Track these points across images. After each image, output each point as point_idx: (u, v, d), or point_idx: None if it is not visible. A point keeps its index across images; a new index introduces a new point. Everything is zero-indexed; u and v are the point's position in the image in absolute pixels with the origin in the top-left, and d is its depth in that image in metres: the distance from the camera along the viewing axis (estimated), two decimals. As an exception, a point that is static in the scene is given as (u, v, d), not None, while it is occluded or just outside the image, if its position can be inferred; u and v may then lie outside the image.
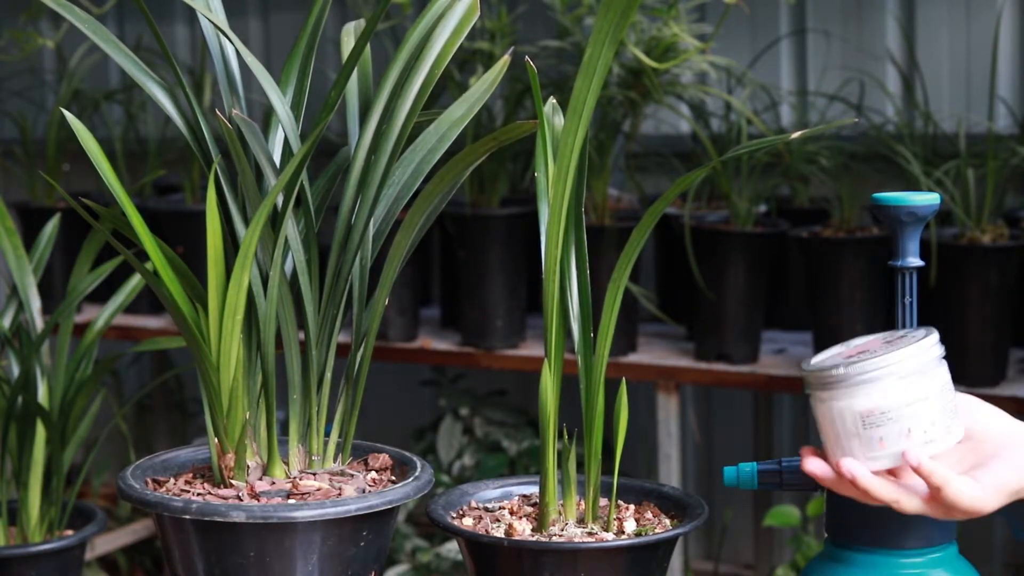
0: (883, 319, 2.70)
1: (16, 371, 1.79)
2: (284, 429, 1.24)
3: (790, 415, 3.35)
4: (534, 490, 1.30)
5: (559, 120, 1.27)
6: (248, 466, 1.21)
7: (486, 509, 1.28)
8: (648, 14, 2.68)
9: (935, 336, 1.14)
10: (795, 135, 1.17)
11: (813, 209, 2.99)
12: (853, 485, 1.10)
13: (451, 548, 3.22)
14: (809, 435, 3.31)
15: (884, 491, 1.10)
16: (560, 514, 1.23)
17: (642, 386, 3.14)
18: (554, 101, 1.28)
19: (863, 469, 1.10)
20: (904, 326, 1.24)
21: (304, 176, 1.18)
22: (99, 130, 3.48)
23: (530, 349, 2.97)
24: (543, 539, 1.20)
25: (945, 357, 1.16)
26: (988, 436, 1.14)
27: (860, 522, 1.20)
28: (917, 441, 1.10)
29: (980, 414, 1.15)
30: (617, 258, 1.19)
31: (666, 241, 3.09)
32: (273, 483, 1.20)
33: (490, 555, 1.19)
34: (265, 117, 1.27)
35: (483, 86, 1.22)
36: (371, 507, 1.15)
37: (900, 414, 1.10)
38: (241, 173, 1.17)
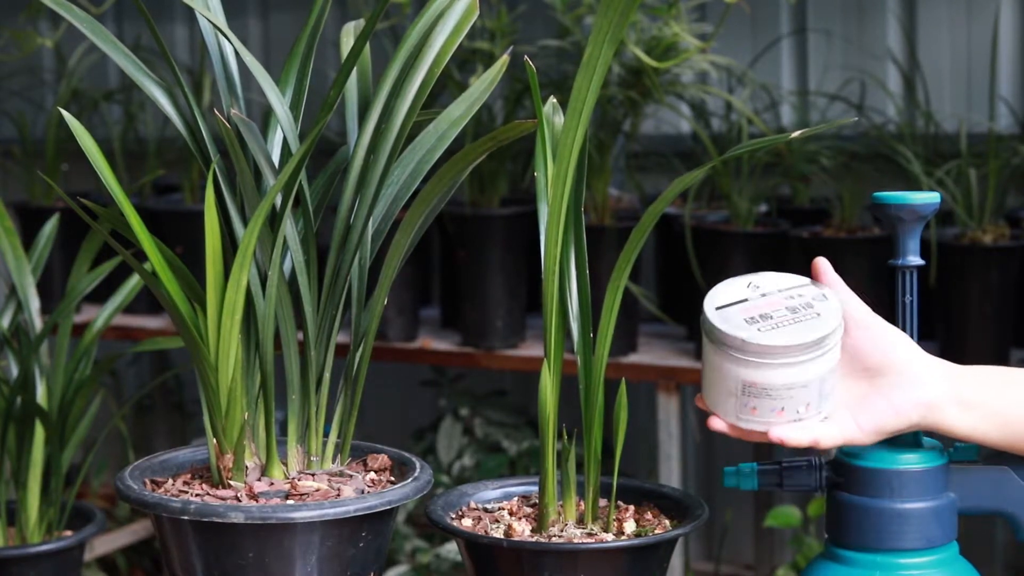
0: (883, 319, 2.70)
1: (15, 371, 1.79)
2: (283, 429, 1.23)
3: (790, 415, 3.35)
4: (534, 491, 1.29)
5: (559, 119, 1.26)
6: (247, 467, 1.21)
7: (485, 510, 1.27)
8: (648, 13, 2.68)
9: (838, 319, 1.16)
10: (795, 134, 1.17)
11: (814, 209, 2.99)
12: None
13: (451, 549, 3.21)
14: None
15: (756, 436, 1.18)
16: (560, 515, 1.23)
17: (642, 386, 3.14)
18: (554, 100, 1.28)
19: (730, 429, 1.17)
20: (905, 326, 1.24)
21: (303, 176, 1.17)
22: (98, 130, 3.48)
23: (530, 349, 2.97)
24: (542, 540, 1.20)
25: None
26: (880, 363, 1.17)
27: (861, 523, 1.20)
28: (786, 418, 1.15)
29: (887, 342, 1.18)
30: (617, 258, 1.18)
31: (666, 241, 3.09)
32: (272, 484, 1.19)
33: (489, 556, 1.19)
34: (264, 117, 1.26)
35: (482, 85, 1.22)
36: (370, 508, 1.15)
37: (778, 394, 1.14)
38: (240, 173, 1.17)
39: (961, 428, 1.17)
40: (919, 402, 1.16)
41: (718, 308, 1.16)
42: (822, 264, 1.21)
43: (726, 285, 1.19)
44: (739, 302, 1.17)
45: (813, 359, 1.14)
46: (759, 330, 1.13)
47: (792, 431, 1.16)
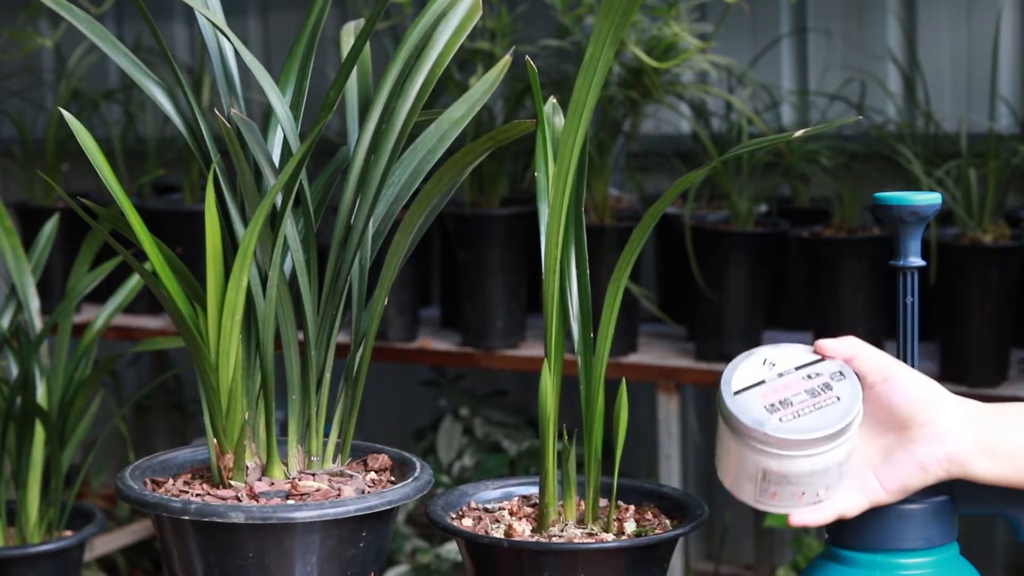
0: (884, 319, 2.70)
1: (15, 371, 1.79)
2: (283, 429, 1.23)
3: (790, 415, 3.35)
4: (534, 491, 1.29)
5: (559, 120, 1.26)
6: (247, 467, 1.20)
7: (486, 510, 1.27)
8: (648, 14, 2.68)
9: (858, 401, 1.13)
10: (796, 134, 1.17)
11: (814, 209, 2.99)
12: None
13: (451, 549, 3.21)
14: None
15: None
16: (560, 515, 1.23)
17: (642, 386, 3.14)
18: (554, 101, 1.28)
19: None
20: (905, 327, 1.24)
21: (303, 176, 1.17)
22: (98, 130, 3.48)
23: (530, 349, 2.97)
24: (543, 540, 1.20)
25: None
26: (903, 415, 1.15)
27: (861, 523, 1.20)
28: (806, 501, 1.14)
29: (909, 392, 1.15)
30: (617, 258, 1.18)
31: (666, 241, 3.08)
32: (272, 484, 1.19)
33: (490, 556, 1.19)
34: (264, 117, 1.26)
35: (484, 86, 1.22)
36: (370, 508, 1.15)
37: (799, 481, 1.12)
38: (240, 173, 1.17)
39: (988, 476, 1.14)
40: (945, 456, 1.13)
41: (736, 393, 1.13)
42: (826, 346, 1.16)
43: (741, 363, 1.15)
44: (756, 385, 1.14)
45: (835, 447, 1.12)
46: (780, 420, 1.11)
47: (815, 514, 1.14)
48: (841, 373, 1.15)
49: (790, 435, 1.11)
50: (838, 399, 1.13)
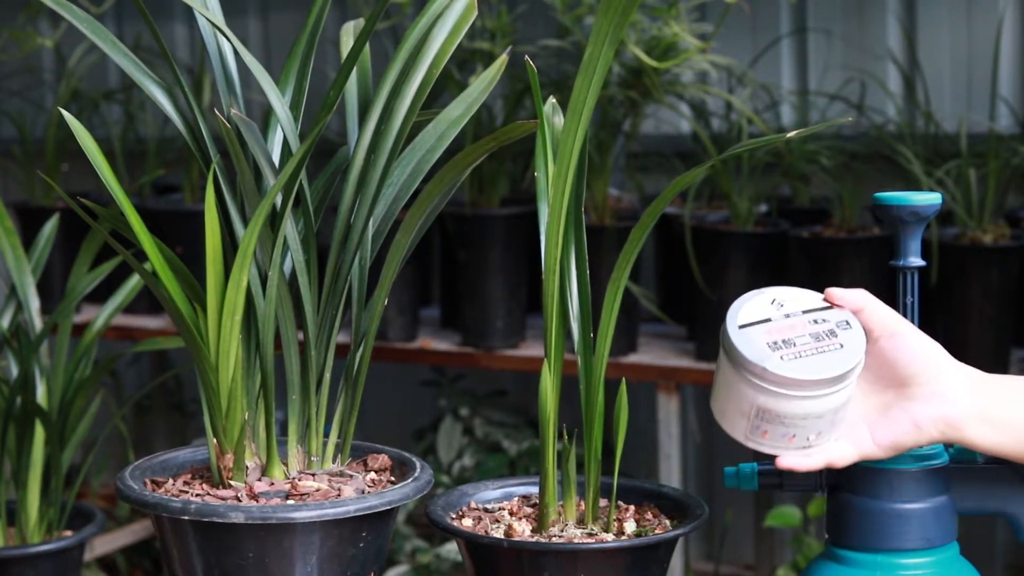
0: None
1: (15, 371, 1.79)
2: (283, 430, 1.23)
3: (790, 415, 3.35)
4: (534, 491, 1.29)
5: (559, 120, 1.26)
6: (247, 467, 1.20)
7: (486, 510, 1.27)
8: (648, 13, 2.68)
9: (861, 352, 1.13)
10: (794, 133, 1.17)
11: (814, 209, 2.99)
12: None
13: (451, 549, 3.21)
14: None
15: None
16: (560, 515, 1.23)
17: (642, 386, 3.14)
18: (554, 100, 1.28)
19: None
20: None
21: (303, 176, 1.17)
22: (98, 130, 3.48)
23: (530, 349, 2.97)
24: (543, 540, 1.20)
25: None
26: (905, 373, 1.14)
27: (861, 523, 1.20)
28: (796, 444, 1.13)
29: (914, 351, 1.14)
30: (617, 258, 1.18)
31: (666, 241, 3.08)
32: (272, 484, 1.19)
33: (490, 556, 1.19)
34: (264, 117, 1.26)
35: (481, 85, 1.22)
36: (370, 508, 1.15)
37: (792, 423, 1.12)
38: (240, 173, 1.17)
39: (983, 443, 1.14)
40: (941, 418, 1.13)
41: (741, 327, 1.13)
42: (836, 294, 1.16)
43: (750, 300, 1.15)
44: (762, 322, 1.14)
45: (832, 393, 1.12)
46: (781, 359, 1.11)
47: (802, 459, 1.14)
48: (847, 323, 1.15)
49: (789, 373, 1.11)
50: (841, 346, 1.13)
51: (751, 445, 1.15)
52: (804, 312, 1.15)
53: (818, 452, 1.14)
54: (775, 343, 1.13)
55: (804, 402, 1.11)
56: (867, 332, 1.15)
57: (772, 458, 1.17)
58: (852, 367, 1.12)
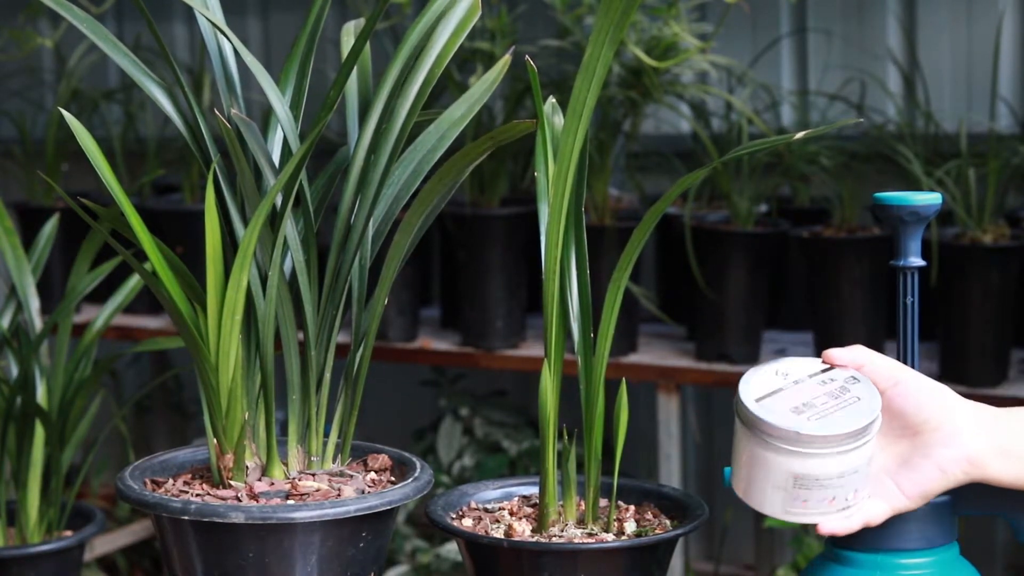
0: (884, 319, 2.70)
1: (15, 371, 1.79)
2: (283, 430, 1.23)
3: (790, 415, 3.35)
4: (534, 491, 1.29)
5: (559, 120, 1.26)
6: (247, 467, 1.20)
7: (486, 510, 1.27)
8: (648, 13, 2.68)
9: (877, 402, 1.13)
10: (798, 135, 1.17)
11: (814, 209, 2.99)
12: None
13: (451, 549, 3.21)
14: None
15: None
16: (560, 515, 1.23)
17: (642, 386, 3.14)
18: (554, 100, 1.28)
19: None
20: (906, 327, 1.24)
21: (303, 176, 1.17)
22: (98, 130, 3.48)
23: (530, 349, 2.97)
24: (543, 540, 1.20)
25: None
26: (918, 420, 1.14)
27: (861, 523, 1.20)
28: (836, 507, 1.13)
29: (921, 396, 1.14)
30: (617, 258, 1.18)
31: (666, 241, 3.08)
32: (272, 484, 1.19)
33: (490, 556, 1.19)
34: (264, 117, 1.26)
35: (483, 86, 1.22)
36: (370, 508, 1.15)
37: (830, 483, 1.12)
38: (240, 173, 1.17)
39: (1006, 478, 1.14)
40: (964, 458, 1.13)
41: (758, 400, 1.13)
42: (835, 355, 1.16)
43: (755, 375, 1.15)
44: (775, 392, 1.14)
45: (864, 444, 1.11)
46: (809, 419, 1.11)
47: (843, 521, 1.14)
48: (854, 377, 1.15)
49: (823, 431, 1.10)
50: (858, 399, 1.13)
51: (791, 518, 1.14)
52: (810, 376, 1.15)
53: (856, 512, 1.14)
54: (797, 407, 1.12)
55: (840, 458, 1.11)
56: (877, 384, 1.15)
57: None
58: (875, 416, 1.12)
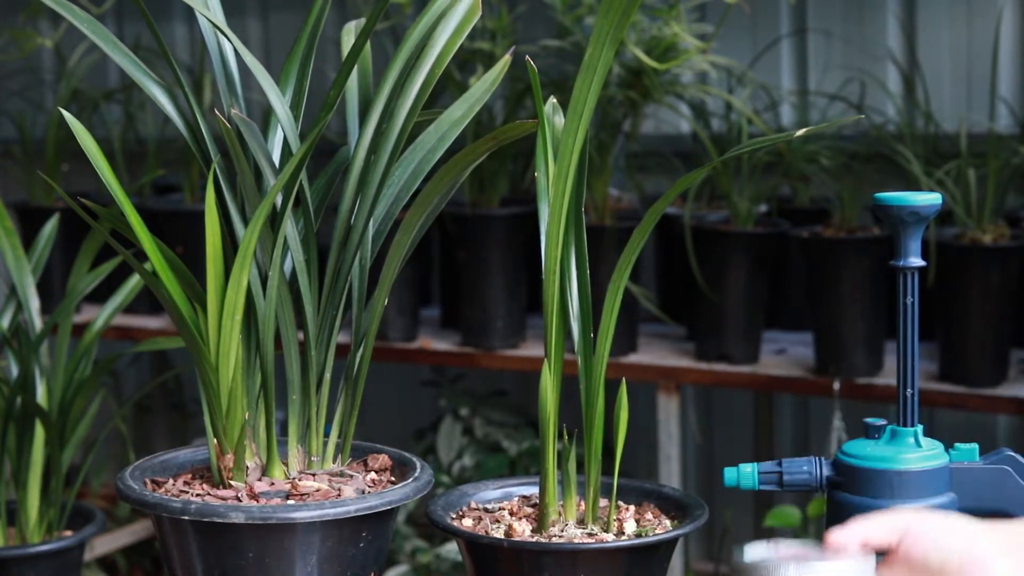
0: (884, 319, 2.70)
1: (15, 371, 1.79)
2: (283, 430, 1.23)
3: (791, 415, 3.35)
4: (534, 491, 1.29)
5: (559, 120, 1.26)
6: (247, 467, 1.20)
7: (486, 510, 1.27)
8: (648, 14, 2.68)
9: (871, 559, 1.11)
10: (797, 134, 1.17)
11: (814, 209, 2.99)
12: None
13: (451, 549, 3.21)
14: (810, 436, 3.31)
15: None
16: (560, 515, 1.23)
17: (642, 386, 3.14)
18: (554, 101, 1.28)
19: None
20: (906, 327, 1.24)
21: (303, 176, 1.17)
22: (98, 130, 3.48)
23: (530, 349, 2.97)
24: (543, 540, 1.20)
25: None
26: (944, 563, 1.09)
27: (861, 523, 1.20)
28: None
29: (934, 536, 1.10)
30: (617, 258, 1.18)
31: (666, 241, 3.08)
32: (272, 484, 1.19)
33: (490, 556, 1.19)
34: (264, 117, 1.26)
35: (484, 86, 1.22)
36: (370, 508, 1.15)
37: None
38: (240, 173, 1.17)
39: None
40: None
41: (758, 559, 1.09)
42: (835, 540, 1.11)
43: (753, 548, 1.12)
44: (770, 557, 1.10)
45: None
46: (807, 563, 1.08)
47: None
48: (866, 570, 1.11)
49: (815, 563, 1.07)
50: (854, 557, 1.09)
51: None
52: (802, 547, 1.11)
53: None
54: (790, 559, 1.09)
55: None
56: (885, 548, 1.11)
57: (772, 457, 1.15)
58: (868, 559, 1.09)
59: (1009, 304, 2.63)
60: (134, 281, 1.86)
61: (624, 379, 1.23)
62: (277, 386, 1.20)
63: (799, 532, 3.00)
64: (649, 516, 1.25)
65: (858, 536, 1.11)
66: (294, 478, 1.21)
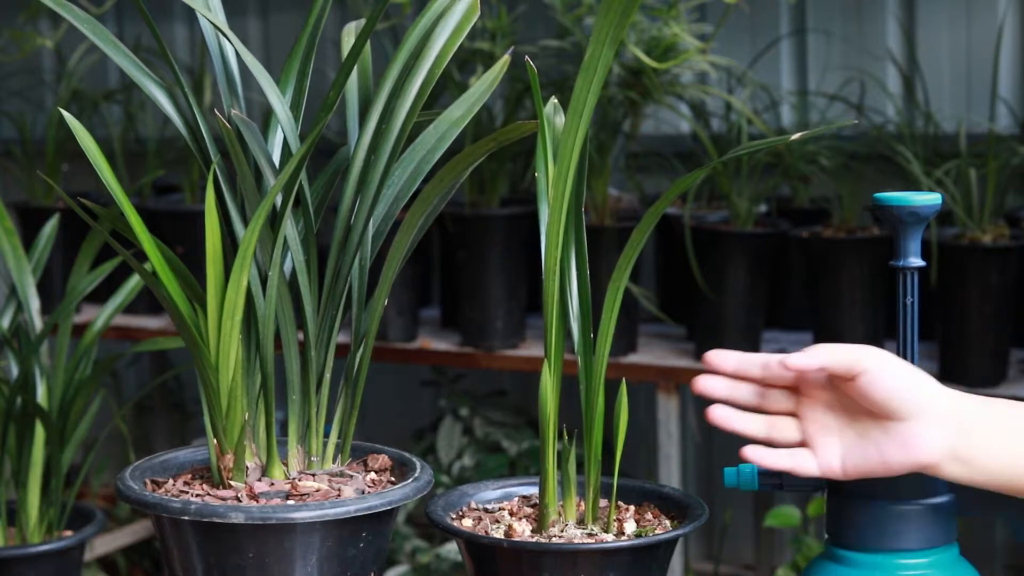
0: (883, 319, 2.70)
1: (15, 371, 1.79)
2: (283, 430, 1.23)
3: (790, 415, 3.35)
4: (534, 491, 1.29)
5: (559, 120, 1.26)
6: (247, 467, 1.21)
7: (486, 510, 1.27)
8: (648, 14, 2.68)
9: None
10: (797, 136, 1.17)
11: (813, 209, 2.99)
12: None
13: (451, 549, 3.21)
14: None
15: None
16: (560, 515, 1.23)
17: (642, 387, 3.14)
18: (555, 101, 1.28)
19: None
20: (905, 327, 1.24)
21: (303, 176, 1.17)
22: (98, 130, 3.48)
23: (530, 349, 2.97)
24: (543, 540, 1.20)
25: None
26: (890, 415, 1.12)
27: (861, 523, 1.20)
28: None
29: (887, 386, 1.12)
30: (617, 258, 1.18)
31: (666, 241, 3.09)
32: (272, 484, 1.20)
33: (489, 556, 1.19)
34: (264, 117, 1.26)
35: (483, 86, 1.22)
36: (370, 508, 1.15)
37: None
38: (240, 173, 1.17)
39: (960, 479, 1.14)
40: (914, 464, 1.13)
41: None
42: (792, 361, 1.13)
43: None
44: None
45: None
46: None
47: (770, 456, 1.14)
48: None
49: None
50: None
51: None
52: None
53: (787, 456, 1.14)
54: None
55: None
56: (837, 378, 1.13)
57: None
58: None
59: (1009, 304, 2.63)
60: (134, 281, 1.86)
61: (624, 379, 1.23)
62: (277, 386, 1.20)
63: (799, 532, 3.01)
64: (649, 516, 1.25)
65: (815, 361, 1.12)
66: (294, 478, 1.21)
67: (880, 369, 1.12)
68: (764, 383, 1.16)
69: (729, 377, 1.17)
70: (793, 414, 1.16)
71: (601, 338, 1.21)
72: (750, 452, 1.14)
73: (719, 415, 1.16)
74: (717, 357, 1.16)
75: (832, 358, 1.12)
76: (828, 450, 1.14)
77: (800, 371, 1.14)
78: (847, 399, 1.14)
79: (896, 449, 1.12)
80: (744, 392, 1.17)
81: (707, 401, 1.11)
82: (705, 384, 1.17)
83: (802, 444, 1.15)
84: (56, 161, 3.42)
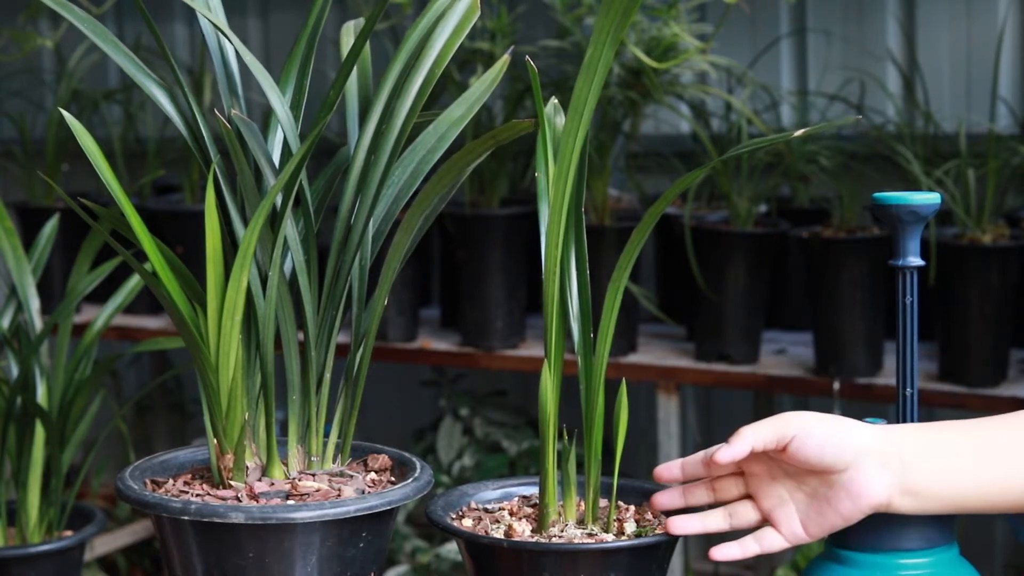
0: (883, 319, 2.70)
1: (15, 371, 1.79)
2: (283, 430, 1.23)
3: (790, 415, 3.35)
4: (534, 491, 1.29)
5: (560, 120, 1.26)
6: (247, 467, 1.21)
7: (486, 510, 1.27)
8: (648, 14, 2.68)
9: None
10: (796, 133, 1.17)
11: (813, 209, 2.99)
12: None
13: (451, 549, 3.21)
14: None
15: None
16: (560, 515, 1.23)
17: (642, 386, 3.14)
18: (555, 101, 1.28)
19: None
20: (905, 327, 1.24)
21: (303, 176, 1.17)
22: (98, 130, 3.48)
23: (530, 349, 2.97)
24: (543, 540, 1.20)
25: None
26: (828, 469, 1.15)
27: (861, 523, 1.20)
28: None
29: (817, 444, 1.15)
30: (617, 258, 1.18)
31: (666, 241, 3.09)
32: (272, 484, 1.19)
33: (489, 556, 1.19)
34: (264, 117, 1.26)
35: (483, 86, 1.22)
36: (370, 508, 1.15)
37: None
38: (240, 173, 1.17)
39: (914, 512, 1.16)
40: (868, 507, 1.15)
41: None
42: (719, 456, 1.17)
43: None
44: None
45: None
46: None
47: (736, 549, 1.20)
48: None
49: None
50: None
51: None
52: None
53: (752, 543, 1.19)
54: None
55: None
56: (770, 451, 1.17)
57: None
58: None
59: (1009, 304, 2.63)
60: (134, 281, 1.86)
61: (624, 379, 1.23)
62: (277, 386, 1.20)
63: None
64: (649, 516, 1.25)
65: (742, 447, 1.16)
66: (294, 478, 1.21)
67: (805, 431, 1.16)
68: (712, 477, 1.22)
69: (680, 484, 1.23)
70: (748, 496, 1.21)
71: (601, 338, 1.21)
72: (719, 553, 1.21)
73: (679, 526, 1.21)
74: (665, 471, 1.22)
75: (758, 437, 1.16)
76: (788, 521, 1.18)
77: (732, 462, 1.18)
78: (787, 466, 1.17)
79: (846, 500, 1.15)
80: (698, 494, 1.23)
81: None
82: (661, 501, 1.23)
83: (764, 521, 1.20)
84: (56, 161, 3.42)
